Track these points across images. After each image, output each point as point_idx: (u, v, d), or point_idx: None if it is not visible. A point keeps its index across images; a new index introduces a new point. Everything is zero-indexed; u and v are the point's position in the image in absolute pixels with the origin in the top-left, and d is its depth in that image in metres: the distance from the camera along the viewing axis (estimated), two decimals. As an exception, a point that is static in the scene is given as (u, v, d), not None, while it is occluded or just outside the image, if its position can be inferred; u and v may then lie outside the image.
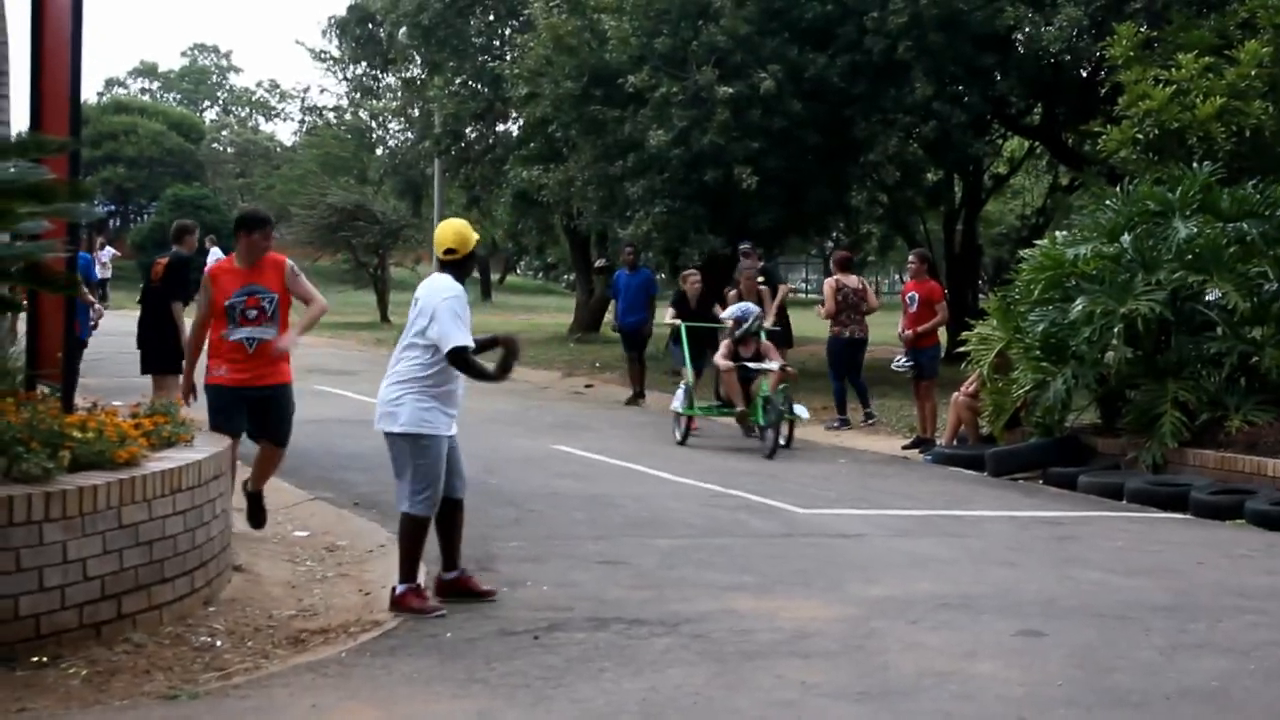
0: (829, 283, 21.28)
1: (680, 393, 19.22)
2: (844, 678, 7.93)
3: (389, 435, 9.45)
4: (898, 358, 19.87)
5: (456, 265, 9.67)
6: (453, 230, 9.75)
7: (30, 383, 10.11)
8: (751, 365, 18.37)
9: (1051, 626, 9.17)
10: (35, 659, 7.79)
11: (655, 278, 25.32)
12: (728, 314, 19.24)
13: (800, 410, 18.48)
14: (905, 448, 19.11)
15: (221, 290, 11.10)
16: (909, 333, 19.41)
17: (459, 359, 9.33)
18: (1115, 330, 15.99)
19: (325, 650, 8.47)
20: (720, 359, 18.60)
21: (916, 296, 19.59)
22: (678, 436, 18.89)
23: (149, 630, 8.47)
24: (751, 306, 18.98)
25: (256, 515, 11.76)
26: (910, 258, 20.85)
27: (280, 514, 12.75)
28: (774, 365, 18.25)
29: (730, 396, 18.57)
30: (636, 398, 24.12)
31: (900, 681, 7.89)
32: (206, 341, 11.33)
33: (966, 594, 10.14)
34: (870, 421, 20.89)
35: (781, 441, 17.89)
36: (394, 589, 9.42)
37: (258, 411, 11.22)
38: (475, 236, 9.88)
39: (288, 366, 11.37)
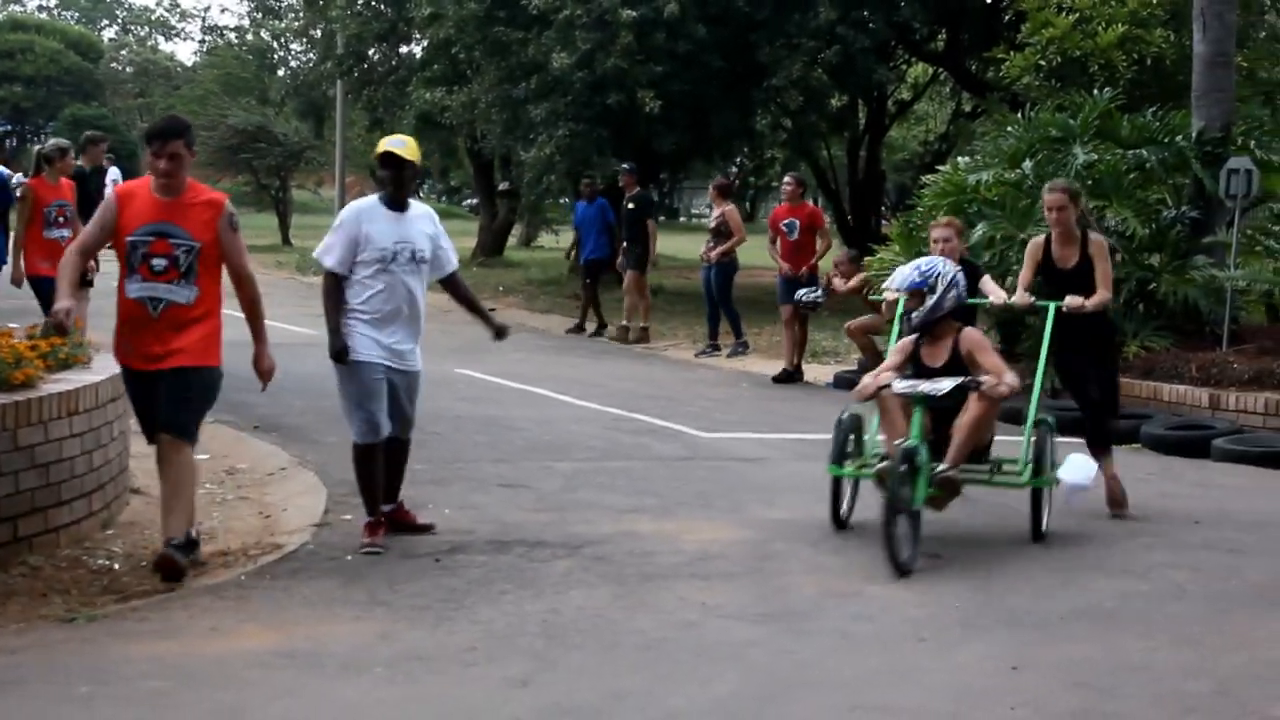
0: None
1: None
2: (745, 599, 7.98)
3: None
4: (803, 293, 17.62)
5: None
6: (413, 145, 9.31)
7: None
8: (926, 388, 9.32)
9: (950, 550, 9.27)
10: (-71, 582, 7.70)
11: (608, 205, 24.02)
12: (894, 282, 9.84)
13: (1078, 472, 10.05)
14: (775, 379, 17.95)
15: (125, 220, 8.16)
16: (792, 269, 18.09)
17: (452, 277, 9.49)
18: (1015, 255, 16.10)
19: (224, 574, 8.42)
20: (872, 375, 9.92)
21: (797, 223, 18.43)
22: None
23: (46, 553, 8.39)
24: (945, 264, 9.81)
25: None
26: (786, 180, 19.61)
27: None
28: (979, 383, 9.35)
29: (888, 438, 9.57)
30: (582, 327, 23.25)
31: (801, 602, 7.96)
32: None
33: (866, 518, 10.20)
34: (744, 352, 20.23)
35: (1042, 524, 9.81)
36: None
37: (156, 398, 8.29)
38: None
39: (216, 343, 8.54)
